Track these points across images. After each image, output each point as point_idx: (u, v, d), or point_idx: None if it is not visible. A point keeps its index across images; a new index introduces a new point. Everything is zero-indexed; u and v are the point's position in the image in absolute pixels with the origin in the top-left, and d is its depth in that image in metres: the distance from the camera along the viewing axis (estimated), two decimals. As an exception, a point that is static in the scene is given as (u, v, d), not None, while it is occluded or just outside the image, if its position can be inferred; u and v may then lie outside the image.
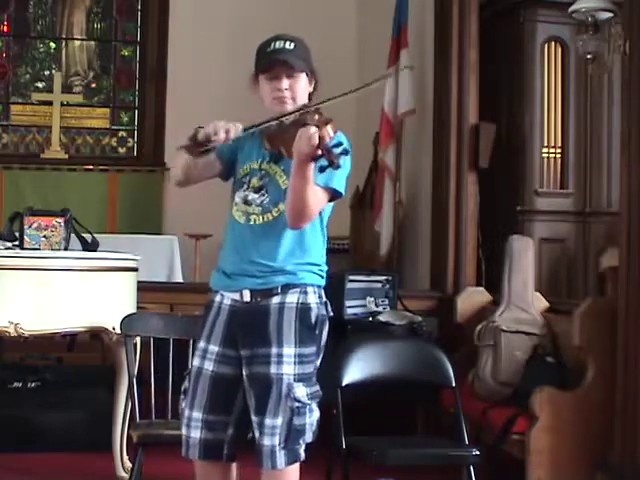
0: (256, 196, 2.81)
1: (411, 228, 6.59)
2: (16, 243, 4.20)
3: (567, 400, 4.05)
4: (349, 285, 5.02)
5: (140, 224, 7.82)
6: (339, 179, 2.72)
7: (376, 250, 6.50)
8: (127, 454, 4.33)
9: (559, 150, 5.99)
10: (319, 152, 2.50)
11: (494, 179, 5.94)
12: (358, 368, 3.70)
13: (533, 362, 4.40)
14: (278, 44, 2.80)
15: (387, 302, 5.22)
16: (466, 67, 5.76)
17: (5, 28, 8.55)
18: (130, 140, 8.65)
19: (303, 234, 2.78)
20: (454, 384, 3.80)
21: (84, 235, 4.30)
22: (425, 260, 6.20)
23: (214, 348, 2.83)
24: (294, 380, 2.74)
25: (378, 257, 6.46)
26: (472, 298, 5.28)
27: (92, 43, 8.72)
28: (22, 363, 5.35)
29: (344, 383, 3.63)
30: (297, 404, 2.74)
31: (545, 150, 5.97)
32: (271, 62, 2.79)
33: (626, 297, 3.87)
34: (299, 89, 2.81)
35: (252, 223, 2.80)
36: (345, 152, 2.52)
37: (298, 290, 2.78)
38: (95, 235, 4.32)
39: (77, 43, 8.70)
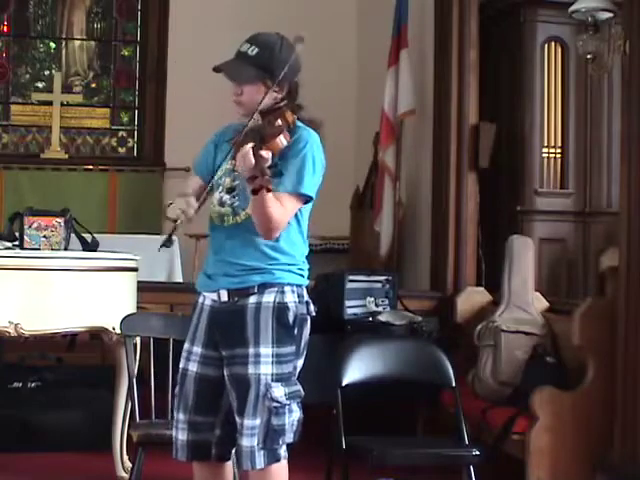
0: (228, 197, 2.83)
1: (411, 228, 6.59)
2: (16, 243, 4.20)
3: (567, 400, 4.05)
4: (349, 285, 5.03)
5: (140, 224, 7.80)
6: (309, 182, 2.71)
7: (376, 250, 6.50)
8: (127, 454, 4.33)
9: (559, 150, 5.99)
10: (253, 173, 2.51)
11: (494, 179, 5.94)
12: (358, 368, 3.69)
13: (533, 362, 4.40)
14: (243, 47, 2.81)
15: (387, 302, 5.22)
16: (466, 67, 5.76)
17: (5, 28, 8.52)
18: (130, 140, 8.64)
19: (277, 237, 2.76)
20: (454, 384, 3.79)
21: (84, 235, 4.30)
22: (425, 260, 6.19)
23: (197, 349, 2.86)
24: (272, 380, 2.73)
25: (378, 257, 6.46)
26: (472, 298, 5.28)
27: (92, 43, 8.70)
28: (22, 363, 5.35)
29: (344, 383, 3.62)
30: (275, 404, 2.73)
31: (545, 150, 5.97)
32: (220, 68, 2.79)
33: (626, 297, 3.87)
34: (252, 96, 2.78)
35: (226, 224, 2.84)
36: (277, 174, 2.55)
37: (275, 289, 2.77)
38: (95, 235, 4.33)
39: (77, 43, 8.69)
